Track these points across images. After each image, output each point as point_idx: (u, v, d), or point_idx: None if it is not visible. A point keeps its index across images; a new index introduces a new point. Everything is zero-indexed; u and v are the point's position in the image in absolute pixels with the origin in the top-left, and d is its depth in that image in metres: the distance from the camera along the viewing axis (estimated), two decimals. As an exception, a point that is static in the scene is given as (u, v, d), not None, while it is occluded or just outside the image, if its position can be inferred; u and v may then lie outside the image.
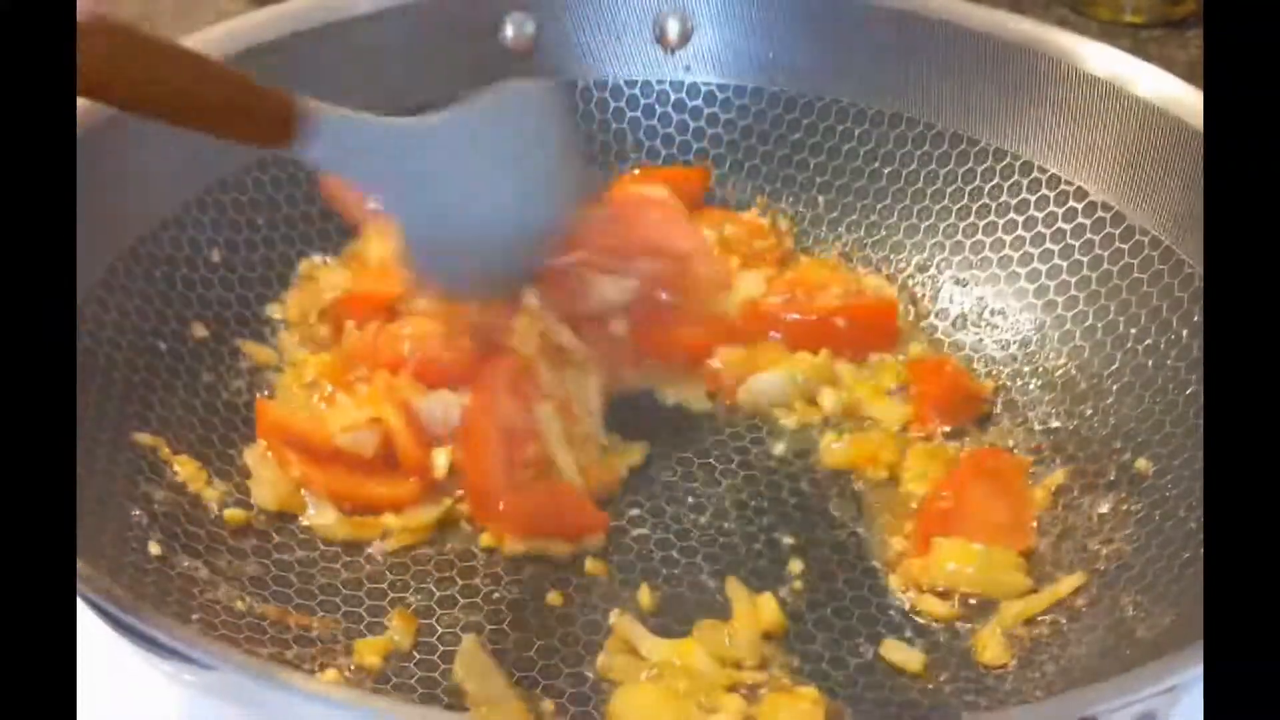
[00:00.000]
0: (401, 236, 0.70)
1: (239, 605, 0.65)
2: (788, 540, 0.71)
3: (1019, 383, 0.81)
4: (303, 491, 0.72)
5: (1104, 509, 0.72)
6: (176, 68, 0.59)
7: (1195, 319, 0.74)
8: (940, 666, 0.65)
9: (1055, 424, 0.78)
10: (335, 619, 0.66)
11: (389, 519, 0.71)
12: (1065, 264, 0.82)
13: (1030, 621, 0.67)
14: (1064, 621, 0.67)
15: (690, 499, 0.74)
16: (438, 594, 0.68)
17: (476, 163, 0.70)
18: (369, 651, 0.64)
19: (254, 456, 0.73)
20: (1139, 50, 1.07)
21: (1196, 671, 0.49)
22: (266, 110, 0.63)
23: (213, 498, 0.71)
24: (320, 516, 0.71)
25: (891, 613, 0.68)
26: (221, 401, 0.76)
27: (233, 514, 0.70)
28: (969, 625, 0.67)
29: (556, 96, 0.80)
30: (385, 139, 0.68)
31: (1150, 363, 0.76)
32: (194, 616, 0.63)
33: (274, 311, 0.81)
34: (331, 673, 0.63)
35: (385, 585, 0.69)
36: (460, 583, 0.69)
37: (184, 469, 0.71)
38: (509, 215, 0.72)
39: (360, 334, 0.79)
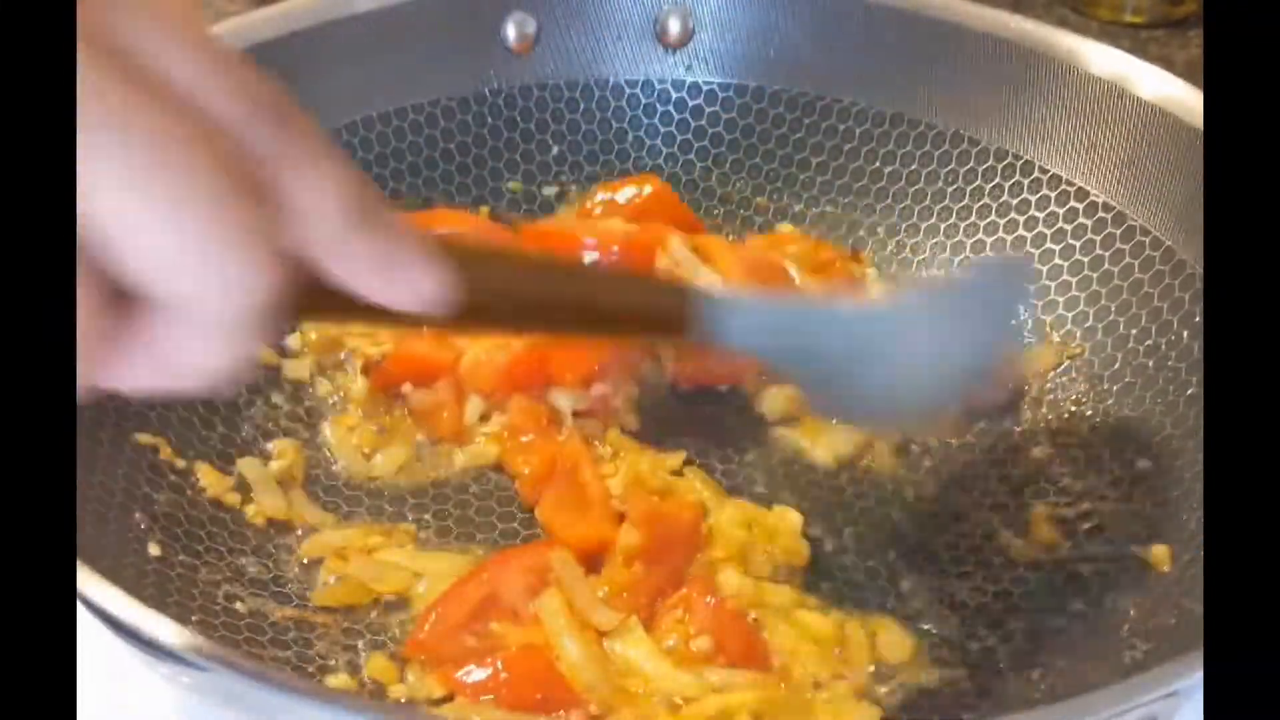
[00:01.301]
0: (799, 385, 0.68)
1: (239, 607, 0.65)
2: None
3: (1019, 383, 0.81)
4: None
5: (1104, 510, 0.72)
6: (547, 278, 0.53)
7: (1196, 319, 0.74)
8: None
9: (1055, 424, 0.78)
10: (337, 619, 0.67)
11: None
12: (1066, 264, 0.82)
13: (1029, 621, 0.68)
14: (1064, 624, 0.67)
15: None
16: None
17: (900, 349, 0.64)
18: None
19: (248, 467, 0.73)
20: (1140, 50, 1.07)
21: (1197, 677, 0.49)
22: (651, 308, 0.57)
23: (214, 496, 0.71)
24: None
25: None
26: (222, 401, 0.76)
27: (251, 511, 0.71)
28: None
29: (1023, 271, 0.80)
30: (793, 322, 0.62)
31: (1151, 363, 0.76)
32: (193, 618, 0.63)
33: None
34: (343, 677, 0.63)
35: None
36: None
37: (205, 477, 0.71)
38: (930, 380, 0.66)
39: (423, 397, 0.77)
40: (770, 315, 0.61)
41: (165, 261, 0.33)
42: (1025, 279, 0.78)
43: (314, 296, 0.38)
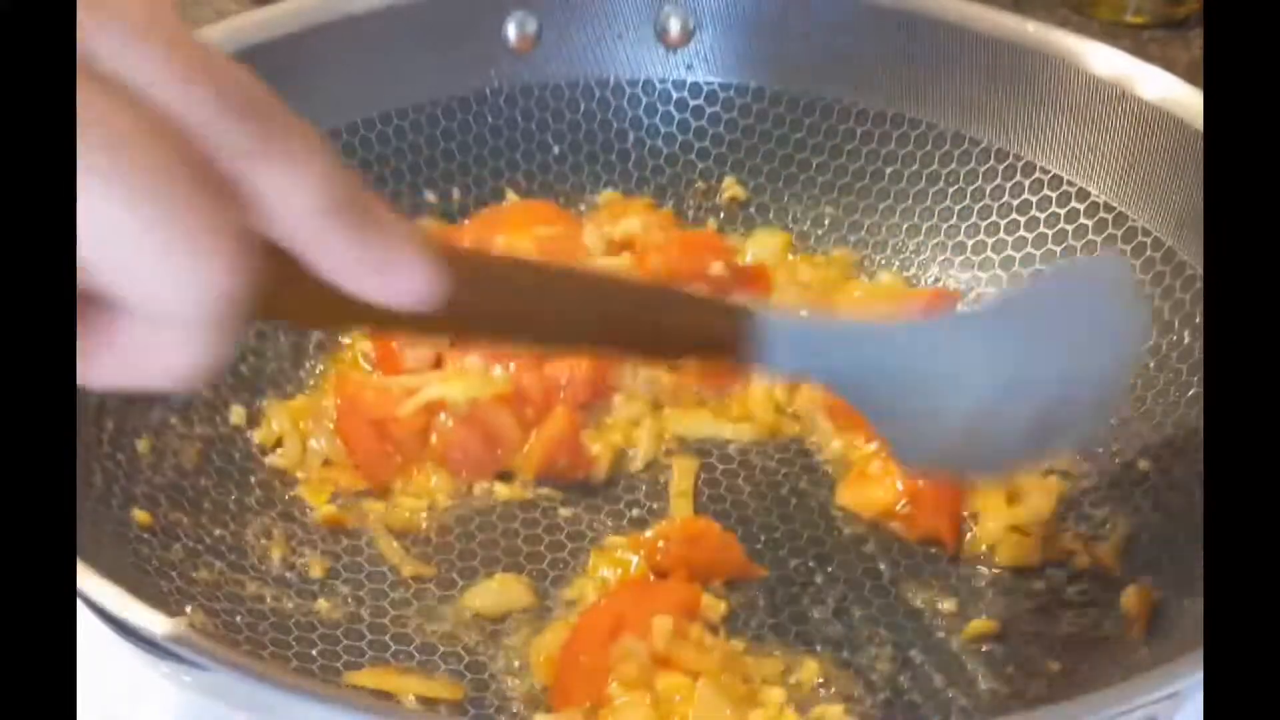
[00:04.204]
0: (876, 427, 0.62)
1: (240, 606, 0.65)
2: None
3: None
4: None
5: (1104, 510, 0.72)
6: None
7: (1197, 320, 0.74)
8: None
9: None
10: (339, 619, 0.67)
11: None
12: (1067, 265, 0.82)
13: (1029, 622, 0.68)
14: (1064, 624, 0.67)
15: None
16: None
17: (988, 362, 0.58)
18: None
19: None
20: (1140, 51, 1.06)
21: (1198, 677, 0.49)
22: (695, 326, 0.52)
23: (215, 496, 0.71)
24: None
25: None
26: (222, 400, 0.76)
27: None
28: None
29: (1125, 268, 0.74)
30: (856, 341, 0.57)
31: (1152, 364, 0.76)
32: (194, 618, 0.63)
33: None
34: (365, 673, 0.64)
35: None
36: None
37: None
38: (1027, 411, 0.59)
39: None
40: (829, 335, 0.57)
41: (121, 260, 0.33)
42: (1122, 279, 0.69)
43: (295, 293, 0.37)
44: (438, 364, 0.77)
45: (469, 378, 0.74)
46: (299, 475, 0.74)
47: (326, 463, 0.75)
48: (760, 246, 0.89)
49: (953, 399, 0.57)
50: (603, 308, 0.49)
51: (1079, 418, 0.61)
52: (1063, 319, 0.60)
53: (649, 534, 0.71)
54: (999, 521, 0.71)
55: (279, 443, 0.75)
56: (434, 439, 0.74)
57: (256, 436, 0.75)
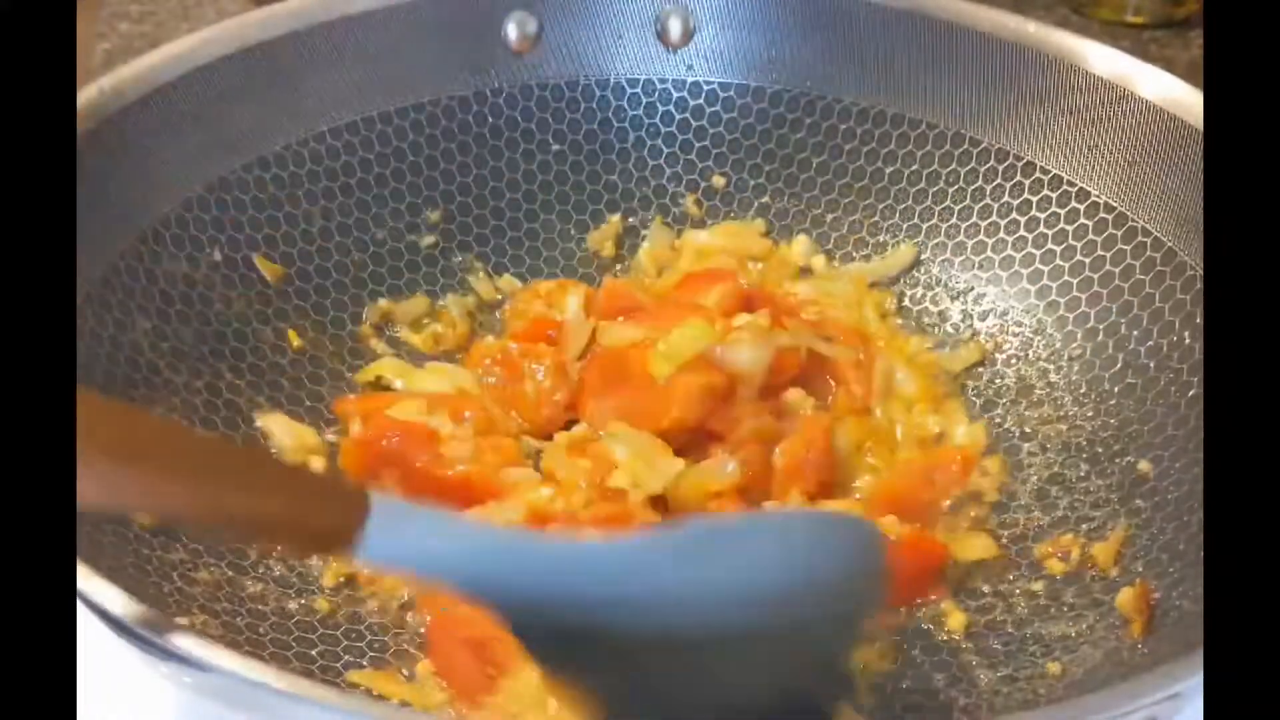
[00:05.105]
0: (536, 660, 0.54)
1: (240, 608, 0.65)
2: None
3: (1021, 383, 0.81)
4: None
5: (1104, 510, 0.72)
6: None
7: (1197, 320, 0.74)
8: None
9: (1057, 425, 0.78)
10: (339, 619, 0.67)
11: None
12: (1067, 265, 0.82)
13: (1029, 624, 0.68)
14: (1064, 625, 0.67)
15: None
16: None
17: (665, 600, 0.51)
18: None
19: None
20: (1141, 51, 1.07)
21: (1199, 678, 0.49)
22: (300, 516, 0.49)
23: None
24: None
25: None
26: (222, 401, 0.76)
27: None
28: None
29: (874, 540, 0.60)
30: (499, 551, 0.52)
31: (1152, 364, 0.76)
32: (194, 618, 0.63)
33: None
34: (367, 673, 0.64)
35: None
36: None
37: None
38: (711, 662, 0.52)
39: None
40: (464, 539, 0.51)
41: None
42: (869, 545, 0.59)
43: None
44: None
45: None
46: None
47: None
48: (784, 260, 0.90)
49: (621, 628, 0.50)
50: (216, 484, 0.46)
51: (787, 673, 0.55)
52: (777, 565, 0.54)
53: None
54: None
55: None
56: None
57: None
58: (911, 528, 0.71)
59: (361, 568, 0.58)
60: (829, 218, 0.90)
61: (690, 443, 0.74)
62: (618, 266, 0.90)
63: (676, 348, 0.75)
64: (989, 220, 0.85)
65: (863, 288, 0.87)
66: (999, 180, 0.85)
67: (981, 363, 0.83)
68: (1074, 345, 0.80)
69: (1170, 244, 0.77)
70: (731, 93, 0.91)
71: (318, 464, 0.75)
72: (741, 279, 0.85)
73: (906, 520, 0.71)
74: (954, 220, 0.86)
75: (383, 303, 0.84)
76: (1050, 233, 0.83)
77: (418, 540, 0.50)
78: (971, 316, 0.85)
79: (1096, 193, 0.81)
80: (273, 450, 0.75)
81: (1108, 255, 0.80)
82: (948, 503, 0.74)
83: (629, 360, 0.76)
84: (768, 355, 0.75)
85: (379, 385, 0.81)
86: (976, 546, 0.72)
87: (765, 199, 0.91)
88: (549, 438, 0.76)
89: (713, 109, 0.91)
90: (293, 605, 0.67)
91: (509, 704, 0.62)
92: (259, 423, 0.76)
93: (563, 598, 0.50)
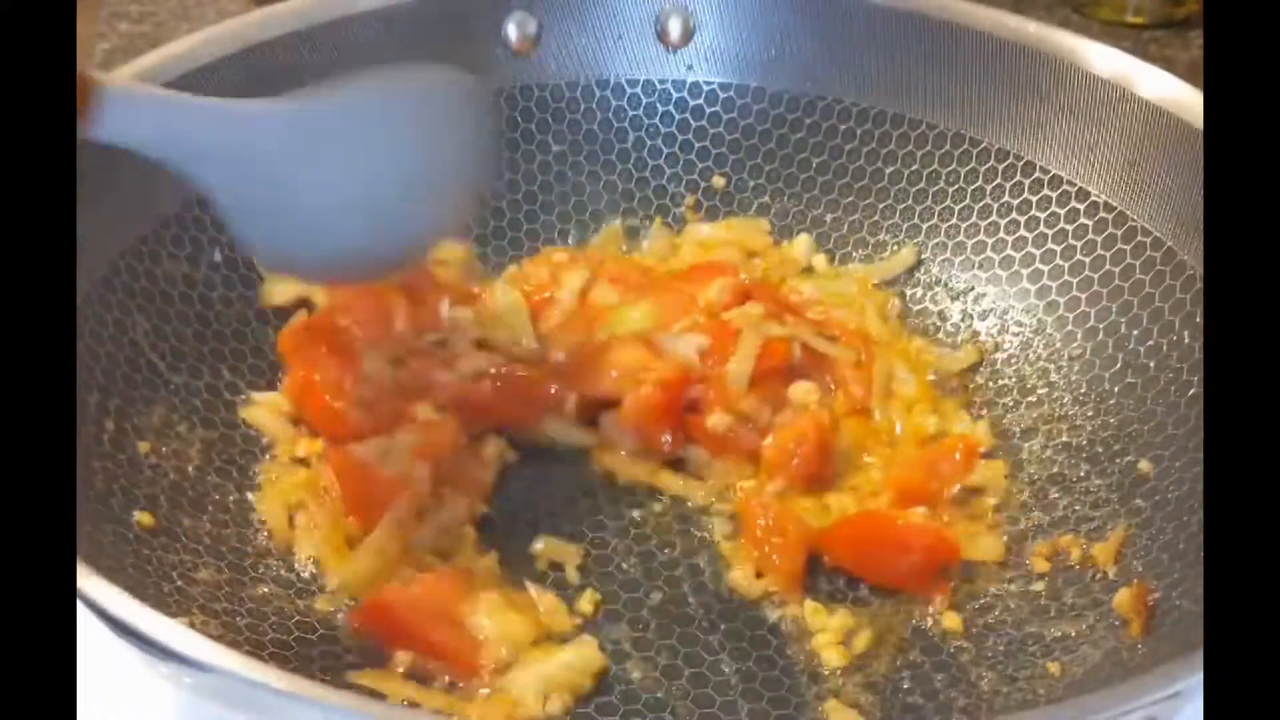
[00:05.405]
0: (229, 218, 0.64)
1: (240, 608, 0.65)
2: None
3: (1020, 383, 0.81)
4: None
5: (1104, 510, 0.72)
6: None
7: (1197, 320, 0.74)
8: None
9: (1057, 425, 0.78)
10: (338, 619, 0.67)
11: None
12: (1067, 264, 0.82)
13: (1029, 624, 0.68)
14: (1064, 625, 0.67)
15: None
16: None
17: (327, 153, 0.63)
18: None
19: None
20: (1141, 51, 1.07)
21: (1198, 677, 0.49)
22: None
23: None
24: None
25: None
26: (222, 401, 0.76)
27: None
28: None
29: (472, 90, 0.72)
30: (197, 120, 0.61)
31: (1152, 364, 0.76)
32: (194, 618, 0.63)
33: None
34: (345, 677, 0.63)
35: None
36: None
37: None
38: (372, 207, 0.65)
39: None
40: (171, 110, 0.60)
41: None
42: (470, 100, 0.71)
43: None
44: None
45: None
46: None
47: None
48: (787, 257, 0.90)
49: (298, 185, 0.61)
50: None
51: (420, 214, 0.67)
52: (396, 121, 0.64)
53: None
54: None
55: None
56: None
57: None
58: (931, 517, 0.72)
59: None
60: (829, 218, 0.90)
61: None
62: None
63: (622, 318, 0.79)
64: (989, 220, 0.85)
65: (867, 289, 0.87)
66: (999, 180, 0.85)
67: (981, 363, 0.83)
68: (1074, 345, 0.80)
69: (1170, 244, 0.77)
70: (731, 93, 0.91)
71: (316, 463, 0.75)
72: (743, 274, 0.84)
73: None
74: (954, 220, 0.87)
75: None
76: (1050, 232, 0.83)
77: (147, 116, 0.58)
78: (971, 316, 0.85)
79: (1096, 193, 0.81)
80: (266, 444, 0.75)
81: (1108, 255, 0.80)
82: (951, 492, 0.74)
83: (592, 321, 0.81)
84: (703, 346, 0.77)
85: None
86: (984, 546, 0.72)
87: (765, 199, 0.91)
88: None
89: (713, 109, 0.91)
90: (293, 606, 0.67)
91: (506, 696, 0.63)
92: (253, 419, 0.76)
93: (255, 150, 0.60)
